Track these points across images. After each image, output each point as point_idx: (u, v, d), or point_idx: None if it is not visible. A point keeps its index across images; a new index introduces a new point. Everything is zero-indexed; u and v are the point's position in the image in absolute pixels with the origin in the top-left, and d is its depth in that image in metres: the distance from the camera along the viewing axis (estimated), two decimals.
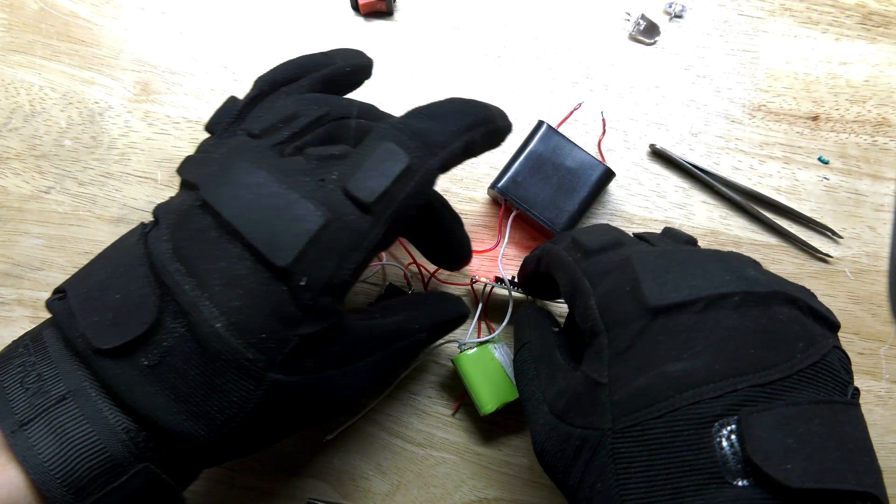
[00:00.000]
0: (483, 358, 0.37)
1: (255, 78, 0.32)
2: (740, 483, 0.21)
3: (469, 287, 0.41)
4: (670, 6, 0.45)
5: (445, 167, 0.29)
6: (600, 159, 0.40)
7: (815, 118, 0.44)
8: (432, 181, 0.28)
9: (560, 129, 0.40)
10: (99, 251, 0.44)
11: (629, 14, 0.45)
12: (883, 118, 0.44)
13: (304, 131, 0.29)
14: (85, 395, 0.25)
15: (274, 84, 0.31)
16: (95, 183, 0.43)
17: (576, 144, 0.39)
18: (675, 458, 0.22)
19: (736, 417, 0.22)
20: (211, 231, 0.26)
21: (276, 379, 0.26)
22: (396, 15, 0.45)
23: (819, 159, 0.43)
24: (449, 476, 0.40)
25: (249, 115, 0.30)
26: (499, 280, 0.40)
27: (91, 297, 0.26)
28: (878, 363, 0.41)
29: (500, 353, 0.38)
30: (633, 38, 0.45)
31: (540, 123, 0.40)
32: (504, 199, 0.40)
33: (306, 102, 0.30)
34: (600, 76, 0.44)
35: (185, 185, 0.29)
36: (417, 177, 0.27)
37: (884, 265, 0.42)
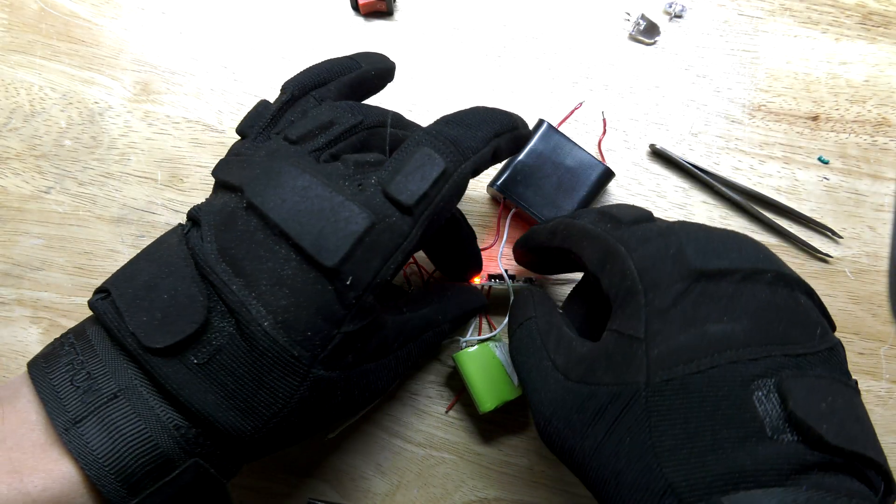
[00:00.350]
0: (484, 356, 0.37)
1: (283, 82, 0.33)
2: (783, 437, 0.22)
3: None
4: (670, 6, 0.45)
5: (476, 171, 0.30)
6: (600, 159, 0.40)
7: (815, 118, 0.44)
8: (465, 184, 0.30)
9: (560, 129, 0.40)
10: (99, 251, 0.44)
11: (629, 14, 0.45)
12: (883, 118, 0.44)
13: (339, 139, 0.30)
14: (136, 392, 0.25)
15: (303, 88, 0.32)
16: (95, 183, 0.43)
17: (576, 144, 0.40)
18: (716, 411, 0.22)
19: (774, 379, 0.23)
20: (258, 232, 0.26)
21: (319, 374, 0.27)
22: (396, 15, 0.45)
23: (819, 159, 0.43)
24: (449, 476, 0.40)
25: (282, 119, 0.31)
26: (496, 277, 0.40)
27: (138, 297, 0.26)
28: (878, 363, 0.41)
29: (501, 352, 0.38)
30: (633, 38, 0.45)
31: (540, 122, 0.40)
32: (503, 197, 0.40)
33: (341, 110, 0.31)
34: (600, 76, 0.44)
35: (224, 186, 0.29)
36: (452, 180, 0.29)
37: (884, 265, 0.42)
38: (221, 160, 0.31)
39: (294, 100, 0.32)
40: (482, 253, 0.42)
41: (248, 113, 0.32)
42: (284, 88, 0.32)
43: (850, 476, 0.22)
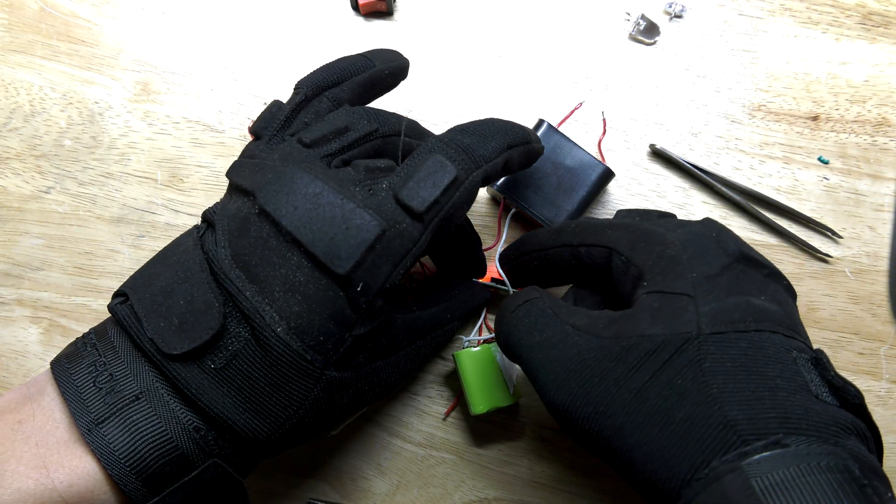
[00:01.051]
0: (484, 358, 0.37)
1: (295, 82, 0.33)
2: (824, 399, 0.23)
3: None
4: (670, 6, 0.45)
5: (487, 180, 0.31)
6: (600, 159, 0.40)
7: (815, 118, 0.44)
8: (475, 192, 0.30)
9: (560, 129, 0.40)
10: (99, 251, 0.44)
11: (629, 14, 0.45)
12: (883, 118, 0.44)
13: (353, 145, 0.30)
14: (157, 395, 0.26)
15: (317, 88, 0.32)
16: (95, 183, 0.43)
17: (576, 144, 0.39)
18: (767, 364, 0.24)
19: (808, 355, 0.25)
20: (271, 239, 0.27)
21: (332, 376, 0.28)
22: (396, 15, 0.45)
23: (819, 159, 0.43)
24: (449, 476, 0.40)
25: (296, 120, 0.32)
26: (499, 282, 0.39)
27: (156, 303, 0.27)
28: (878, 363, 0.41)
29: (501, 357, 0.38)
30: (633, 38, 0.45)
31: (540, 122, 0.40)
32: (503, 196, 0.40)
33: (357, 116, 0.31)
34: (600, 76, 0.44)
35: (237, 189, 0.30)
36: (463, 188, 0.29)
37: (884, 265, 0.42)
38: (235, 162, 0.31)
39: (308, 100, 0.32)
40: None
41: (262, 114, 0.32)
42: (298, 88, 0.32)
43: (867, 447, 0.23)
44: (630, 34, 0.45)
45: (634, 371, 0.25)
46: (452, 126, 0.31)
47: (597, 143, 0.43)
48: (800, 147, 0.44)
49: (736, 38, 0.45)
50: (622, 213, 0.33)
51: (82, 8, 0.45)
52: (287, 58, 0.45)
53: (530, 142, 0.33)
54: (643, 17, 0.45)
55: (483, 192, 0.43)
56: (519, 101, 0.44)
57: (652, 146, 0.43)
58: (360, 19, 0.45)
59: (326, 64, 0.34)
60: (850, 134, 0.44)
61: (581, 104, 0.43)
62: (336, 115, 0.31)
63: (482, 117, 0.32)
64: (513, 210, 0.40)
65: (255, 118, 0.39)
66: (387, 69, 0.35)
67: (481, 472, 0.40)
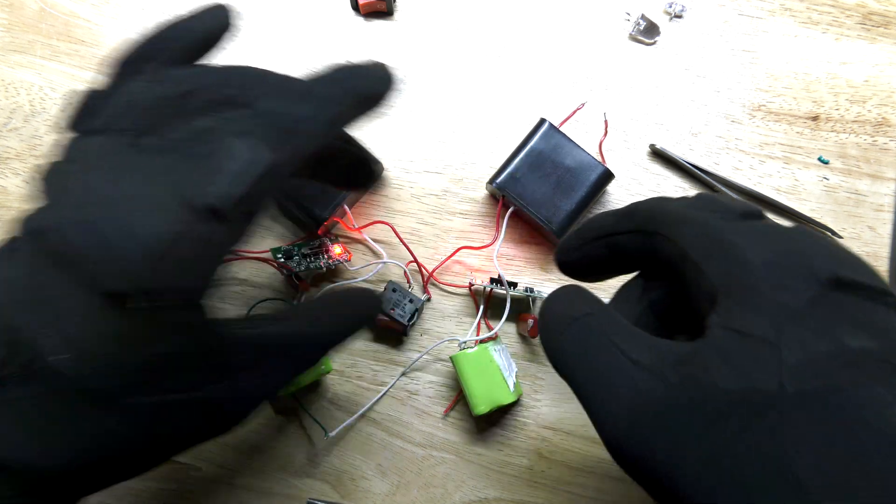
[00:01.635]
0: (482, 358, 0.37)
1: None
2: None
3: (467, 289, 0.41)
4: (670, 6, 0.45)
5: (305, 155, 0.27)
6: (601, 160, 0.40)
7: (815, 118, 0.44)
8: (288, 171, 0.26)
9: (561, 129, 0.40)
10: None
11: (629, 14, 0.45)
12: (883, 118, 0.44)
13: (162, 122, 0.26)
14: None
15: (126, 67, 0.28)
16: None
17: (576, 144, 0.39)
18: (860, 432, 0.20)
19: None
20: (41, 257, 0.23)
21: (129, 403, 0.24)
22: (396, 15, 0.45)
23: (819, 159, 0.43)
24: (449, 476, 0.40)
25: (103, 105, 0.27)
26: (496, 282, 0.39)
27: None
28: None
29: (499, 356, 0.38)
30: (633, 38, 0.45)
31: (542, 121, 0.40)
32: (502, 195, 0.40)
33: (170, 84, 0.27)
34: (600, 76, 0.44)
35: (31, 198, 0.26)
36: (274, 171, 0.25)
37: (884, 265, 0.42)
38: (39, 166, 0.27)
39: (117, 82, 0.28)
40: (480, 251, 0.41)
41: (70, 105, 0.28)
42: (106, 71, 0.28)
43: None
44: (630, 34, 0.45)
45: (709, 429, 0.22)
46: (272, 84, 0.28)
47: (598, 144, 0.43)
48: (800, 147, 0.44)
49: (736, 38, 0.45)
50: (694, 200, 0.28)
51: (82, 8, 0.45)
52: (287, 58, 0.45)
53: (366, 91, 0.29)
54: (643, 17, 0.45)
55: (482, 190, 0.43)
56: (519, 102, 0.44)
57: (652, 146, 0.43)
58: (360, 19, 0.45)
59: (139, 37, 0.30)
60: (850, 134, 0.44)
61: (583, 105, 0.43)
62: (143, 91, 0.27)
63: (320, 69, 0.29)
64: (511, 208, 0.40)
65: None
66: (206, 31, 0.31)
67: (481, 472, 0.40)
